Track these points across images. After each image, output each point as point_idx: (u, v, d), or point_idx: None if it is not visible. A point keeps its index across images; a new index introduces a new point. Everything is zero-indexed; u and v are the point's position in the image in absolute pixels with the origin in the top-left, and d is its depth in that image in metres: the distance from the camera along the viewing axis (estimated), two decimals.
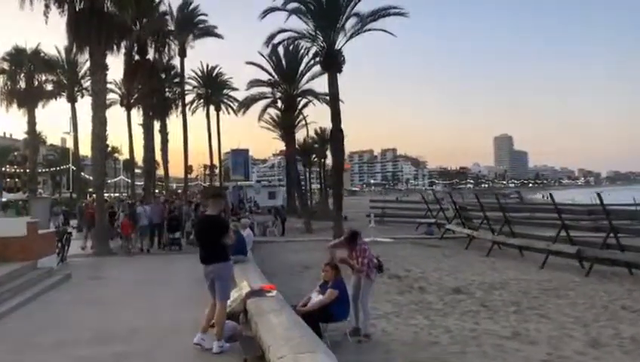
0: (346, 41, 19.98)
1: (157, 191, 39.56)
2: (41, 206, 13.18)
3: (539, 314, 8.22)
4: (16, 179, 66.58)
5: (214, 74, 50.08)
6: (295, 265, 14.43)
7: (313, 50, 26.86)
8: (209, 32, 37.67)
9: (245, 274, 8.80)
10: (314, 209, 34.72)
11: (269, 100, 28.85)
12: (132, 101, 43.47)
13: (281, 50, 26.79)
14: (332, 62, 19.87)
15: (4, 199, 35.73)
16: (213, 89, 49.66)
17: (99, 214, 15.24)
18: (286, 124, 40.53)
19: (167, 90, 31.66)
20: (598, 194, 13.17)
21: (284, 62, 27.04)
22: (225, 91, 51.99)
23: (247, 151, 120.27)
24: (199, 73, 47.87)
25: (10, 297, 8.58)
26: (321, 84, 28.60)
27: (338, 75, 19.98)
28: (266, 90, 27.84)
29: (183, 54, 35.44)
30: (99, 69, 15.63)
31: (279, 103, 31.57)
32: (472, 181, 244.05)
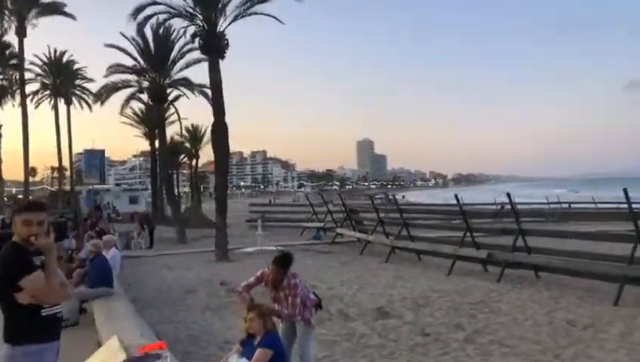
0: (229, 23, 17.50)
1: None
2: None
3: (496, 343, 6.83)
4: None
5: (64, 60, 43.43)
6: (174, 289, 11.63)
7: (189, 33, 23.98)
8: (56, 9, 31.89)
9: (113, 320, 6.02)
10: (186, 215, 31.26)
11: (133, 90, 24.81)
12: None
13: (149, 34, 23.18)
14: (213, 46, 17.21)
15: None
16: (63, 78, 43.01)
17: None
18: (153, 119, 36.21)
19: None
20: (508, 195, 12.60)
21: (152, 46, 23.35)
22: (77, 82, 45.53)
23: (102, 151, 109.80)
24: (45, 59, 41.00)
25: None
26: (196, 75, 25.56)
27: (220, 61, 17.36)
28: (131, 77, 23.89)
29: (22, 33, 29.49)
30: None
31: (145, 95, 27.61)
32: (337, 183, 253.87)
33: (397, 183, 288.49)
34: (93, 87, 45.12)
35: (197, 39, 17.49)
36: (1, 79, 26.87)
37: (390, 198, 43.11)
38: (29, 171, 51.58)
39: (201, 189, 71.85)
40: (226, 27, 17.44)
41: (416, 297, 9.99)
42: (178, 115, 26.13)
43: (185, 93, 25.39)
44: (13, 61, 27.85)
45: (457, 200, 13.99)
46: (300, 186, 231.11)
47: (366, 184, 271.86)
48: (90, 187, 55.77)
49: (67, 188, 49.52)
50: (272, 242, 20.45)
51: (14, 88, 28.87)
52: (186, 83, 24.03)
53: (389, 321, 8.20)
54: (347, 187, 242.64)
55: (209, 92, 25.20)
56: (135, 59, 23.54)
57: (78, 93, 45.94)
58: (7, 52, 25.67)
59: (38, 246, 2.93)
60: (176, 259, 17.10)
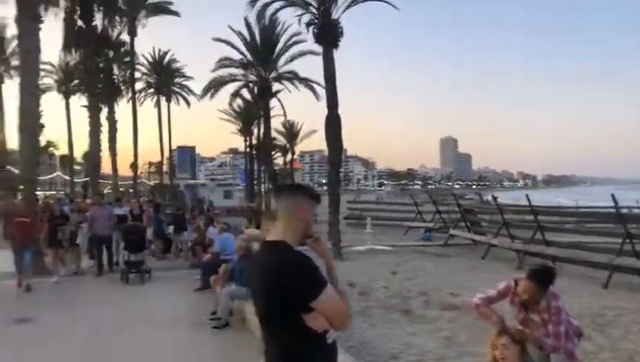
0: (344, 10, 16.71)
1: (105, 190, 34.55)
2: None
3: None
4: None
5: (166, 61, 45.40)
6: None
7: (303, 22, 23.62)
8: (163, 8, 33.06)
9: None
10: None
11: (239, 84, 24.94)
12: (72, 86, 38.17)
13: (255, 27, 23.07)
14: (328, 34, 16.47)
15: None
16: (165, 77, 44.98)
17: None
18: (251, 114, 36.62)
19: (115, 71, 26.94)
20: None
21: (258, 39, 23.26)
22: (177, 80, 47.48)
23: (193, 148, 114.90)
24: (150, 59, 43.07)
25: None
26: (298, 68, 25.09)
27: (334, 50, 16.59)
28: (237, 71, 23.99)
29: (133, 33, 30.79)
30: (31, 17, 11.47)
31: (246, 90, 27.78)
32: (419, 182, 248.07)
33: (482, 183, 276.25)
34: (193, 85, 47.13)
35: (311, 28, 16.82)
36: (118, 77, 28.09)
37: (486, 199, 40.61)
38: (131, 165, 55.05)
39: None
40: (340, 15, 16.67)
41: (592, 314, 8.46)
42: (283, 108, 25.95)
43: (287, 87, 25.10)
44: (127, 59, 29.11)
45: (615, 201, 12.08)
46: (380, 185, 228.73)
47: (449, 184, 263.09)
48: (186, 182, 58.18)
49: (167, 182, 51.77)
50: (377, 241, 19.48)
51: (127, 86, 30.23)
52: (293, 76, 23.69)
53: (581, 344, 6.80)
54: (429, 186, 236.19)
55: (314, 85, 25.09)
56: (242, 52, 23.57)
57: (177, 91, 47.99)
58: (122, 50, 26.79)
59: (318, 252, 2.10)
60: None
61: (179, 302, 8.84)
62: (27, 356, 5.92)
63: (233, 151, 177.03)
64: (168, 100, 46.83)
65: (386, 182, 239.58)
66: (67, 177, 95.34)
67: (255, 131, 39.83)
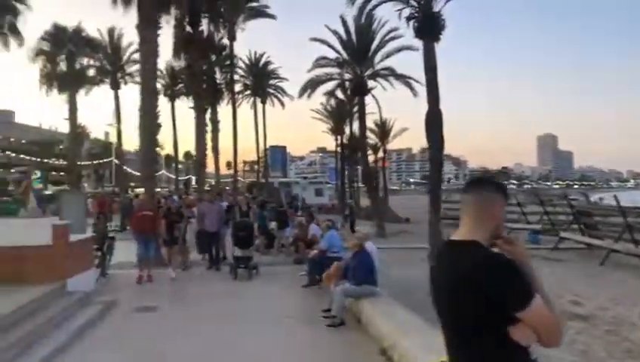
0: (446, 2, 16.08)
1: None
2: (75, 202, 9.83)
3: None
4: (62, 173, 65.58)
5: (261, 63, 46.99)
6: (409, 287, 10.58)
7: (387, 25, 23.22)
8: (261, 12, 34.19)
9: (405, 332, 5.05)
10: (370, 210, 30.84)
11: (336, 82, 25.10)
12: (177, 89, 40.84)
13: (350, 23, 23.09)
14: (429, 28, 15.94)
15: (48, 192, 33.38)
16: (261, 79, 46.58)
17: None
18: (343, 113, 36.75)
19: (217, 74, 28.31)
20: None
21: (354, 37, 23.24)
22: (271, 82, 48.99)
23: (284, 147, 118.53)
24: (247, 62, 44.83)
25: (20, 353, 5.16)
26: (392, 64, 24.63)
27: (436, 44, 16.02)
28: (334, 70, 24.16)
29: (232, 37, 32.13)
30: (150, 24, 12.32)
31: (339, 87, 27.83)
32: (514, 181, 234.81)
33: (586, 183, 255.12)
34: (286, 86, 48.51)
35: (411, 22, 16.38)
36: (220, 79, 29.53)
37: (596, 200, 37.28)
38: (227, 164, 57.65)
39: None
40: (442, 7, 16.07)
41: None
42: (379, 106, 25.61)
43: (381, 85, 24.79)
44: (227, 62, 30.46)
45: None
46: None
47: (548, 183, 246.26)
48: (281, 179, 59.80)
49: (262, 180, 53.56)
50: None
51: (228, 88, 31.67)
52: (389, 73, 23.36)
53: None
54: (525, 186, 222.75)
55: (411, 81, 24.58)
56: (337, 51, 23.66)
57: (272, 92, 49.51)
58: (224, 53, 28.08)
59: (511, 255, 1.86)
60: (389, 253, 16.32)
61: (288, 298, 8.95)
62: (160, 342, 6.24)
63: (322, 150, 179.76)
64: (263, 102, 48.48)
65: None
66: (171, 175, 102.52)
67: (346, 130, 39.93)
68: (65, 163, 63.36)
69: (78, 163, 37.44)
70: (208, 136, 24.60)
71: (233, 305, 8.43)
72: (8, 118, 72.45)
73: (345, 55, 23.43)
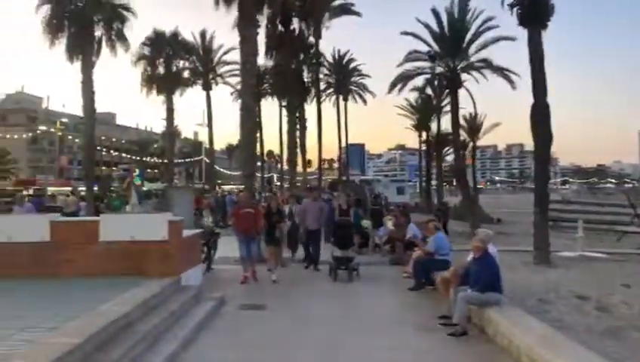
0: None
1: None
2: (184, 198, 10.11)
3: None
4: (156, 170, 70.14)
5: (345, 60, 46.90)
6: (519, 294, 9.78)
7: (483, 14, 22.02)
8: (347, 9, 34.00)
9: (548, 346, 4.49)
10: (460, 209, 29.53)
11: (427, 76, 24.27)
12: (262, 89, 41.95)
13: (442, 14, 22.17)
14: (535, 14, 14.75)
15: (145, 188, 35.66)
16: (344, 77, 46.53)
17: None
18: (431, 108, 35.74)
19: (304, 73, 28.48)
20: None
21: (446, 29, 22.31)
22: (354, 79, 48.82)
23: (362, 145, 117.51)
24: (330, 60, 44.91)
25: (146, 349, 5.24)
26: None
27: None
28: (425, 64, 23.34)
29: (318, 35, 32.22)
30: (250, 23, 12.51)
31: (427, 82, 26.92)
32: (612, 180, 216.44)
33: None
34: (369, 83, 48.22)
35: (514, 9, 15.26)
36: (307, 78, 29.76)
37: None
38: (307, 162, 58.35)
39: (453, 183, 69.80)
40: None
41: None
42: (473, 100, 24.31)
43: (475, 78, 23.56)
44: (314, 61, 30.62)
45: None
46: (563, 183, 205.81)
47: None
48: (362, 177, 59.47)
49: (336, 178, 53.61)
50: (588, 247, 16.94)
51: (314, 86, 31.88)
52: (484, 65, 22.15)
53: None
54: (626, 185, 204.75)
55: (509, 74, 23.17)
56: (429, 44, 22.82)
57: (354, 89, 49.31)
58: (311, 52, 28.22)
59: None
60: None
61: (396, 302, 8.54)
62: (276, 343, 6.14)
63: (400, 148, 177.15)
64: (345, 99, 48.39)
65: (570, 179, 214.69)
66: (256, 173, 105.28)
67: (432, 126, 38.74)
68: (159, 161, 67.79)
69: (176, 161, 39.57)
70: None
71: (340, 308, 8.16)
72: (110, 120, 78.57)
73: (437, 48, 22.54)
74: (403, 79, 24.13)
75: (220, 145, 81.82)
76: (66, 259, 7.62)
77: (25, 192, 32.47)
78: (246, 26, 12.54)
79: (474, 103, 26.02)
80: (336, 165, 65.64)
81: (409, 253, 12.30)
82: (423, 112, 38.44)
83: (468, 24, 22.15)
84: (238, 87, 44.69)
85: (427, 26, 23.00)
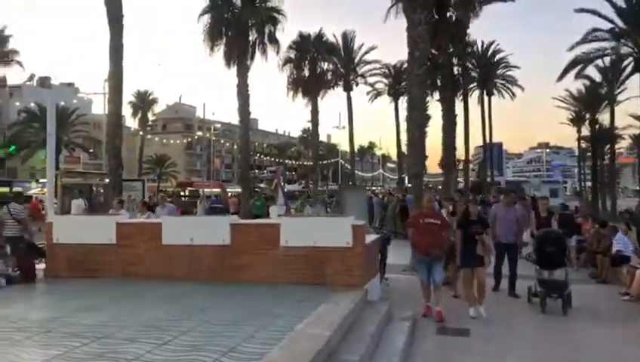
0: None
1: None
2: (357, 200, 9.15)
3: None
4: (293, 173, 72.83)
5: (490, 52, 43.33)
6: None
7: None
8: None
9: None
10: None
11: (611, 57, 20.71)
12: (399, 87, 40.42)
13: None
14: None
15: (285, 190, 36.56)
16: (489, 69, 43.03)
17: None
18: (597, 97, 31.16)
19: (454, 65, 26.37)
20: None
21: (634, 1, 18.64)
22: (499, 72, 45.01)
23: (500, 144, 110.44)
24: (475, 52, 41.72)
25: None
26: None
27: None
28: (606, 45, 19.86)
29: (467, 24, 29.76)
30: (420, 6, 11.32)
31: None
32: None
33: None
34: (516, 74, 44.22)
35: None
36: (457, 72, 27.57)
37: None
38: (439, 164, 55.15)
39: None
40: None
41: None
42: None
43: None
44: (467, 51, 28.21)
45: None
46: None
47: None
48: (507, 178, 55.02)
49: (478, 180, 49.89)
50: None
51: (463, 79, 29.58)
52: None
53: None
54: None
55: None
56: (612, 21, 19.32)
57: (500, 83, 45.48)
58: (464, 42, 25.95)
59: None
60: None
61: None
62: None
63: (543, 146, 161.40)
64: (489, 94, 44.87)
65: None
66: (386, 174, 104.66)
67: (599, 118, 33.77)
68: (297, 163, 70.03)
69: (320, 162, 40.11)
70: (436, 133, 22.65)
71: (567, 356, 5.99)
72: (253, 125, 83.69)
73: (621, 24, 18.97)
74: (581, 62, 20.78)
75: (347, 147, 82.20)
76: (245, 265, 7.09)
77: (202, 194, 34.32)
78: (414, 10, 11.33)
79: None
80: (471, 166, 61.68)
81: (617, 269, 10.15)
82: (585, 103, 33.64)
83: None
84: (376, 85, 44.30)
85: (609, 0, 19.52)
